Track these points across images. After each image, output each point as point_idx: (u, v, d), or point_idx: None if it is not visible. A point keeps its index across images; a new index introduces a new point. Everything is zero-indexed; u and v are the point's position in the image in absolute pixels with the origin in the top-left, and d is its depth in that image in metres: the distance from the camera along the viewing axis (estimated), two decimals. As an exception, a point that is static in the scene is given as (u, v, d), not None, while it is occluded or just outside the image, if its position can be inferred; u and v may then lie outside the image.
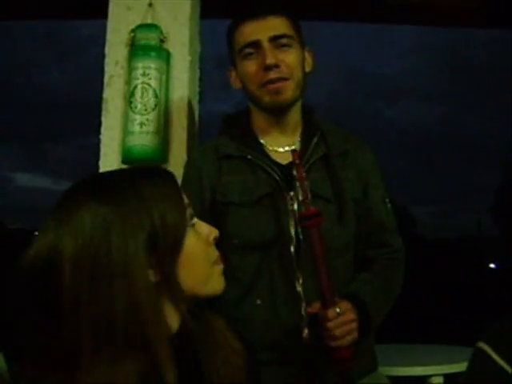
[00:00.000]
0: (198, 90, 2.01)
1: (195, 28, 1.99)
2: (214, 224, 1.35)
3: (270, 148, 1.47)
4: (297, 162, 1.29)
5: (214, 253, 0.96)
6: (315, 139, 1.45)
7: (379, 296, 1.41)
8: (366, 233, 1.48)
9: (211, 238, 0.95)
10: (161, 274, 0.86)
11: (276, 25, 1.41)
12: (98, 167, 1.85)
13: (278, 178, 1.40)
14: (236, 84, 1.50)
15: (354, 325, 1.26)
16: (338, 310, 1.23)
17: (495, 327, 1.02)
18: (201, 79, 2.04)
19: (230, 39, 1.48)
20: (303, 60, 1.46)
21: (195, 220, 0.94)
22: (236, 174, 1.44)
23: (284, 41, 1.40)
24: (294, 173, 1.29)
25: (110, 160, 1.84)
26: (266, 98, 1.41)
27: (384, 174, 1.57)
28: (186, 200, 0.93)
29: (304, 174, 1.28)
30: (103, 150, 1.87)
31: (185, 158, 1.84)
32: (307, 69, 1.49)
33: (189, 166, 1.53)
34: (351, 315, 1.26)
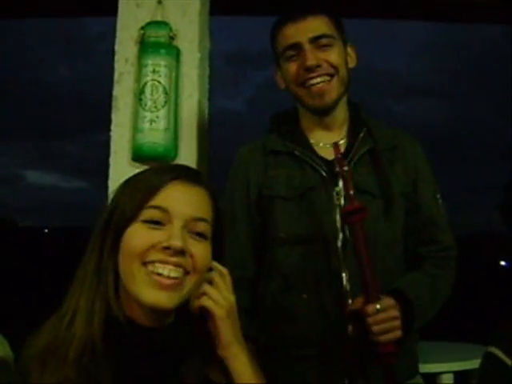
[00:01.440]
0: (207, 86, 2.01)
1: (205, 25, 1.99)
2: (260, 218, 1.38)
3: (317, 144, 1.48)
4: (338, 155, 1.29)
5: (155, 256, 0.92)
6: (361, 134, 1.46)
7: (426, 295, 1.39)
8: (416, 228, 1.47)
9: (162, 245, 0.92)
10: (107, 254, 0.96)
11: (316, 25, 1.42)
12: (108, 164, 1.86)
13: (323, 172, 1.40)
14: (281, 84, 1.52)
15: (396, 322, 1.24)
16: (378, 306, 1.22)
17: (503, 330, 1.02)
18: (210, 76, 2.04)
19: (273, 42, 1.50)
20: (346, 56, 1.48)
21: (168, 225, 0.94)
22: (282, 168, 1.45)
23: (324, 41, 1.42)
24: (337, 167, 1.28)
25: (120, 157, 1.85)
26: (310, 101, 1.43)
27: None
28: (160, 203, 0.94)
29: (345, 168, 1.28)
30: (113, 147, 1.87)
31: (195, 154, 1.85)
32: (351, 64, 1.50)
33: (235, 163, 1.54)
34: (393, 312, 1.25)
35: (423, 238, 1.47)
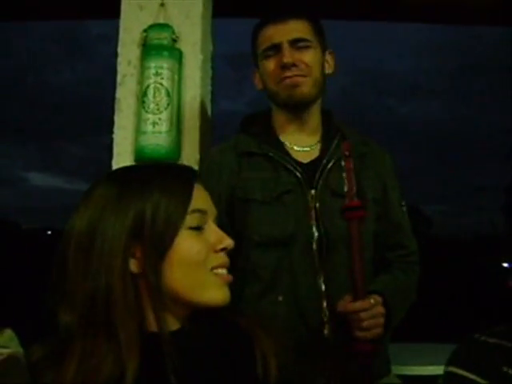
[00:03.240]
0: (210, 88, 2.02)
1: (207, 27, 2.00)
2: (230, 220, 1.36)
3: (291, 147, 1.49)
4: (346, 153, 1.29)
5: (216, 260, 0.92)
6: (336, 141, 1.48)
7: (398, 298, 1.42)
8: (384, 234, 1.50)
9: (219, 247, 0.93)
10: (143, 267, 0.87)
11: (296, 28, 1.45)
12: (111, 166, 1.86)
13: (299, 175, 1.42)
14: (259, 85, 1.55)
15: (382, 320, 1.28)
16: (372, 301, 1.26)
17: (460, 350, 1.02)
18: (213, 78, 2.04)
19: (254, 42, 1.52)
20: (323, 61, 1.50)
21: (206, 226, 0.93)
22: (257, 171, 1.45)
23: (302, 44, 1.44)
24: (343, 163, 1.28)
25: (123, 159, 1.85)
26: (283, 93, 1.45)
27: (397, 172, 1.58)
28: (197, 205, 0.91)
29: (352, 166, 1.28)
30: (116, 149, 1.88)
31: (197, 157, 1.85)
32: (328, 70, 1.52)
33: (206, 163, 1.54)
34: (382, 309, 1.28)
35: (391, 244, 1.51)
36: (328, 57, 1.52)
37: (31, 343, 0.89)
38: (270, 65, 1.46)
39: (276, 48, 1.45)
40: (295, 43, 1.44)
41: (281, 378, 0.94)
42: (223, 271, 0.93)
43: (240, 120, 1.58)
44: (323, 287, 1.37)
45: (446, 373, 1.01)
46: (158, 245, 0.87)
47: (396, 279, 1.46)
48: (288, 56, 1.42)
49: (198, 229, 0.91)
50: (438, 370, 2.39)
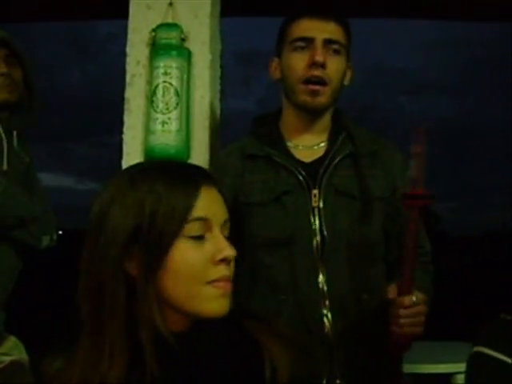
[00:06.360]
0: (219, 88, 2.02)
1: (215, 26, 1.99)
2: (236, 224, 1.35)
3: (295, 147, 1.49)
4: (419, 139, 1.23)
5: (216, 274, 0.87)
6: (341, 138, 1.47)
7: (430, 297, 1.40)
8: (397, 234, 1.47)
9: (218, 258, 0.87)
10: (139, 270, 0.85)
11: (334, 30, 1.43)
12: (120, 166, 1.87)
13: (300, 175, 1.41)
14: (275, 74, 1.52)
15: (422, 319, 1.26)
16: (414, 298, 1.22)
17: (487, 329, 1.01)
18: (222, 77, 2.04)
19: (284, 29, 1.49)
20: (345, 71, 1.48)
21: (208, 236, 0.88)
22: (259, 173, 1.46)
23: (336, 46, 1.43)
24: (412, 150, 1.22)
25: (132, 159, 1.85)
26: (302, 98, 1.43)
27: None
28: (201, 213, 0.87)
29: (421, 151, 1.22)
30: (126, 149, 1.88)
31: (207, 156, 1.85)
32: (346, 82, 1.51)
33: (213, 166, 1.55)
34: (424, 308, 1.26)
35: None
36: (348, 68, 1.50)
37: (43, 342, 0.89)
38: (298, 59, 1.43)
39: (308, 41, 1.42)
40: (329, 44, 1.42)
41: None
42: (221, 284, 0.88)
43: (249, 118, 1.59)
44: (325, 287, 1.37)
45: (474, 352, 1.00)
46: (154, 251, 0.84)
47: (421, 279, 1.42)
48: (321, 54, 1.40)
49: (198, 238, 0.87)
50: (449, 368, 2.39)
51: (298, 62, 1.43)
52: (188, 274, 0.86)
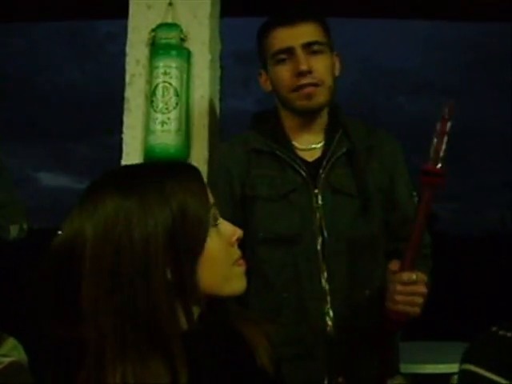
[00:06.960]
0: (218, 88, 2.02)
1: (215, 27, 2.00)
2: (243, 217, 1.35)
3: (298, 145, 1.49)
4: (446, 117, 1.20)
5: (236, 253, 0.93)
6: (337, 136, 1.47)
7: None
8: (394, 225, 1.48)
9: (234, 239, 0.93)
10: (177, 274, 0.83)
11: (308, 31, 1.42)
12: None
13: (304, 174, 1.42)
14: (266, 87, 1.53)
15: (421, 300, 1.24)
16: (414, 276, 1.20)
17: (476, 345, 0.96)
18: (221, 77, 2.04)
19: (262, 42, 1.49)
20: (333, 65, 1.48)
21: (219, 220, 0.92)
22: (265, 168, 1.46)
23: (316, 47, 1.42)
24: (437, 126, 1.19)
25: (132, 159, 1.86)
26: (298, 103, 1.43)
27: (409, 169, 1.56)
28: (211, 199, 0.91)
29: (446, 129, 1.19)
30: (125, 148, 1.89)
31: (206, 156, 1.85)
32: (336, 73, 1.50)
33: (217, 157, 1.55)
34: (423, 288, 1.23)
35: (403, 236, 1.43)
36: (335, 59, 1.50)
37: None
38: (284, 72, 1.43)
39: (288, 52, 1.42)
40: (308, 47, 1.41)
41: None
42: (241, 262, 0.95)
43: (248, 118, 1.59)
44: (327, 286, 1.37)
45: (462, 371, 0.94)
46: (193, 248, 0.85)
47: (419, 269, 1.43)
48: (304, 63, 1.39)
49: (216, 225, 0.90)
50: (449, 368, 2.39)
51: (284, 74, 1.43)
52: (220, 260, 0.90)
